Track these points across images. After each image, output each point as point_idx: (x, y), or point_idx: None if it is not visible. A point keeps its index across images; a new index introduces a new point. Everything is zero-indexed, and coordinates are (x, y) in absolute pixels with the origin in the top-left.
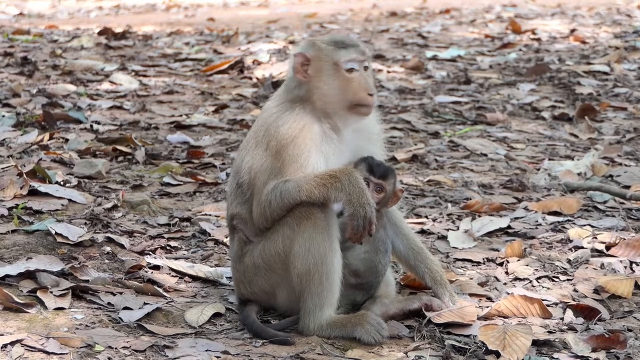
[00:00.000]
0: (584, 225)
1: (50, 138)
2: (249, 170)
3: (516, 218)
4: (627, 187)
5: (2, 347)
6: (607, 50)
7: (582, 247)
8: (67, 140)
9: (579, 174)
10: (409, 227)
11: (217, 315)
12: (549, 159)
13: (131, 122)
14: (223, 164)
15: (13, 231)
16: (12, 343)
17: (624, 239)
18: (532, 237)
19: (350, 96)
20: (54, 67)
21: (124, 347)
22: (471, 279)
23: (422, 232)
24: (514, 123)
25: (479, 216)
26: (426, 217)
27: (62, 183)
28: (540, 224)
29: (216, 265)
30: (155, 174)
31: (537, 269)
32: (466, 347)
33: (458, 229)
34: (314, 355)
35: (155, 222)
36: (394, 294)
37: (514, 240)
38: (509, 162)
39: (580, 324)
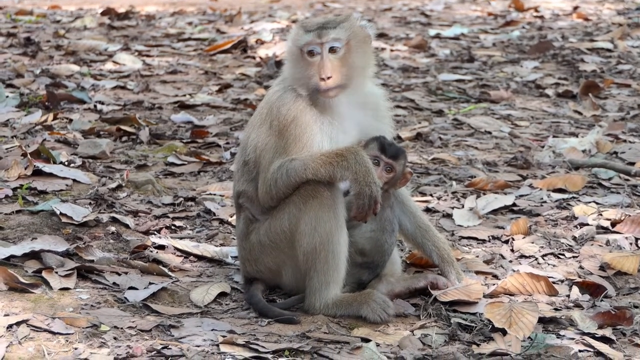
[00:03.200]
0: (589, 202)
1: (54, 118)
2: (254, 149)
3: (521, 195)
4: (632, 163)
5: (7, 328)
6: (610, 27)
7: (588, 224)
8: (71, 120)
9: (583, 151)
10: (416, 205)
11: (222, 294)
12: (554, 136)
13: (135, 102)
14: (227, 143)
15: (18, 211)
16: (18, 323)
17: (629, 215)
18: (537, 215)
19: (308, 80)
20: (57, 48)
21: (130, 327)
22: (477, 257)
23: (427, 210)
24: (518, 101)
25: (484, 194)
26: (431, 195)
27: (66, 163)
28: (545, 202)
29: (221, 245)
30: (160, 153)
31: (542, 247)
32: (472, 325)
33: (463, 207)
34: (320, 334)
35: (159, 202)
36: (399, 273)
37: (519, 217)
38: (513, 140)
39: (587, 301)
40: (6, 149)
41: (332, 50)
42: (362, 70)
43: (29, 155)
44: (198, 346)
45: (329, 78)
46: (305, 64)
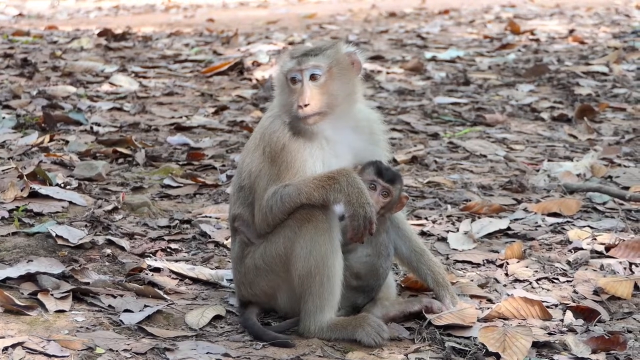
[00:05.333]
0: (584, 226)
1: (51, 140)
2: (249, 174)
3: (516, 219)
4: (626, 188)
5: (3, 350)
6: (605, 51)
7: (582, 249)
8: (67, 142)
9: (578, 175)
10: (411, 228)
11: (217, 317)
12: (548, 160)
13: (131, 123)
14: (223, 165)
15: (14, 233)
16: (13, 346)
17: (624, 240)
18: (532, 239)
19: (289, 107)
20: (54, 69)
21: (125, 350)
22: (471, 280)
23: (422, 233)
24: (513, 124)
25: (479, 218)
26: (426, 218)
27: (62, 185)
28: (539, 226)
29: (216, 268)
30: (156, 175)
31: (536, 271)
32: (466, 349)
33: (458, 230)
34: (315, 358)
35: (155, 224)
36: (394, 296)
37: (514, 241)
38: (509, 163)
39: (580, 326)
40: (2, 170)
41: (312, 77)
42: (347, 97)
43: (25, 177)
44: None
45: (306, 105)
46: (289, 90)
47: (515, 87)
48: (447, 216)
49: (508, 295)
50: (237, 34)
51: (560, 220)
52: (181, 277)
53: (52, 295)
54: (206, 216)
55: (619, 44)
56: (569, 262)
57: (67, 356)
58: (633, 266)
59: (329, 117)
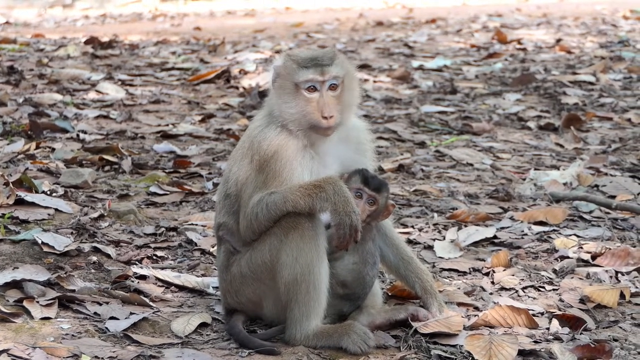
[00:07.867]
0: (570, 235)
1: (37, 147)
2: (235, 182)
3: (502, 228)
4: (613, 197)
5: None
6: (592, 60)
7: (568, 257)
8: (53, 149)
9: (564, 184)
10: (399, 236)
11: (203, 325)
12: (535, 169)
13: (118, 131)
14: (209, 173)
15: None
16: None
17: (610, 248)
18: (518, 247)
19: (307, 117)
20: (41, 76)
21: (110, 357)
22: (458, 288)
23: (409, 242)
24: (500, 133)
25: (465, 226)
26: (412, 227)
27: (48, 192)
28: (526, 234)
29: (202, 275)
30: (142, 183)
31: (523, 279)
32: (452, 357)
33: (444, 238)
34: None
35: (141, 232)
36: (380, 304)
37: (500, 250)
38: (495, 172)
39: (566, 334)
40: None
41: (330, 87)
42: (352, 107)
43: (11, 185)
44: None
45: (331, 117)
46: (303, 99)
47: (502, 96)
48: (434, 224)
49: (494, 303)
50: (224, 42)
51: (546, 228)
52: (167, 284)
53: (37, 302)
54: (192, 224)
55: (606, 54)
56: (555, 271)
57: None
58: (619, 275)
59: (340, 127)
